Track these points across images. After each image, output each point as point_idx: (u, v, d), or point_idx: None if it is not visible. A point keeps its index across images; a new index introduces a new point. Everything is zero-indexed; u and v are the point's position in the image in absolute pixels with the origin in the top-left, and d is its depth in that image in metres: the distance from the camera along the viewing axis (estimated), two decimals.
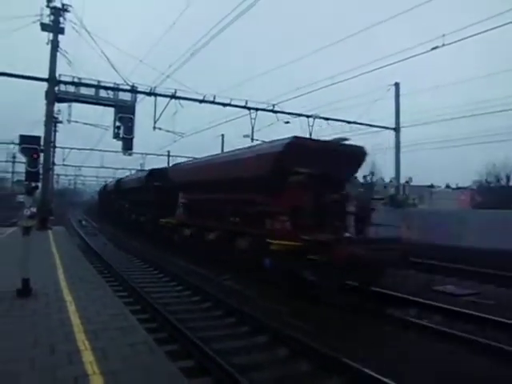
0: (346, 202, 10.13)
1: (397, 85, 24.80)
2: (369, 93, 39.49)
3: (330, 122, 23.27)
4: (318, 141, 12.02)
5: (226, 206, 12.98)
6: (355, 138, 26.92)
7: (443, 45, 15.38)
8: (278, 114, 22.24)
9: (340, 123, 23.62)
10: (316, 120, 22.94)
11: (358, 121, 24.04)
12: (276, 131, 24.08)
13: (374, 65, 18.66)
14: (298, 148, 10.20)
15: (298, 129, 23.44)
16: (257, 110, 21.76)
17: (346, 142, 11.57)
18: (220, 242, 12.69)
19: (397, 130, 24.94)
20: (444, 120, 23.11)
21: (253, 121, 22.00)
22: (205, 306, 8.52)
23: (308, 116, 22.91)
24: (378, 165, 58.83)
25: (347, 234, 9.41)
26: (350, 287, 9.49)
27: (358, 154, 11.48)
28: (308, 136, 19.87)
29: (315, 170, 9.73)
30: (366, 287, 9.47)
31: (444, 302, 8.58)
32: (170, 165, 28.27)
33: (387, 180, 62.38)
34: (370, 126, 24.69)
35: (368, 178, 64.15)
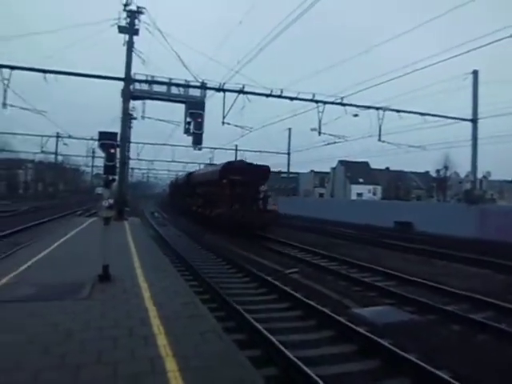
0: (258, 194, 21.49)
1: (475, 73, 23.09)
2: (443, 82, 37.07)
3: (401, 114, 22.39)
4: (242, 162, 24.12)
5: (208, 194, 23.95)
6: (428, 131, 25.58)
7: None
8: (347, 107, 21.76)
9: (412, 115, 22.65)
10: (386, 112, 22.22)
11: (432, 112, 22.87)
12: (344, 124, 23.63)
13: (451, 52, 17.49)
14: (230, 167, 21.82)
15: (367, 122, 22.80)
16: (325, 103, 21.43)
17: (256, 163, 22.94)
18: (205, 213, 23.47)
19: (474, 121, 23.34)
20: None
21: (320, 114, 21.78)
22: (271, 297, 8.64)
23: (377, 108, 22.20)
24: (453, 159, 55.64)
25: (236, 207, 20.10)
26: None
27: (263, 170, 22.25)
28: (379, 129, 22.86)
29: (240, 178, 20.43)
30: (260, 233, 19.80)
31: None
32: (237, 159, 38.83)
33: (463, 175, 58.78)
34: (445, 117, 23.36)
35: (441, 173, 60.85)
